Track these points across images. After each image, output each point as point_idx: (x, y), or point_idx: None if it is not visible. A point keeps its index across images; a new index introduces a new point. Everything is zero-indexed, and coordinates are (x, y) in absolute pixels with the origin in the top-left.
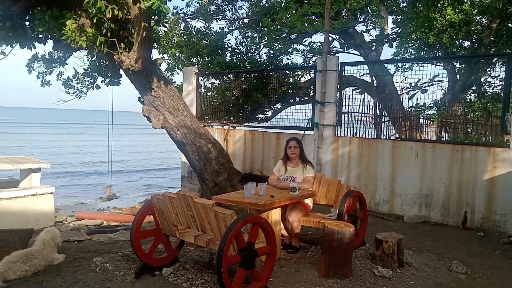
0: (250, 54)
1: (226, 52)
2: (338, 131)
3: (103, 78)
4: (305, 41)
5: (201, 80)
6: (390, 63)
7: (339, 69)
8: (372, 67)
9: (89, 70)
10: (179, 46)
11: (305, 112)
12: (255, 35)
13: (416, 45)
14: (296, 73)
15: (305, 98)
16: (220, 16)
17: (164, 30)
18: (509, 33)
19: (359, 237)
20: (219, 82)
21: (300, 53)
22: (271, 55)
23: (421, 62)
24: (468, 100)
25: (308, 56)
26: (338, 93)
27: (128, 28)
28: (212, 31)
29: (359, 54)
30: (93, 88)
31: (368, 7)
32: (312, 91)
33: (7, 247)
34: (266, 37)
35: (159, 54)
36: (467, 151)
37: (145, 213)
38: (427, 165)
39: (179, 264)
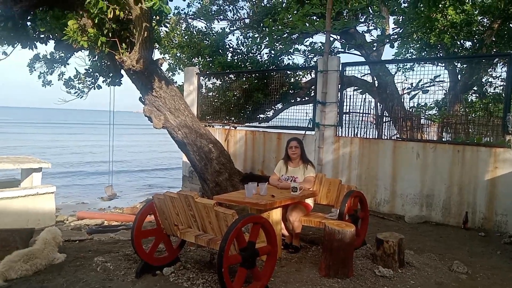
0: (251, 55)
1: (227, 53)
2: (339, 131)
3: (104, 78)
4: (306, 41)
5: (202, 80)
6: (391, 63)
7: (340, 69)
8: (373, 67)
9: (91, 70)
10: (180, 46)
11: (306, 112)
12: (256, 35)
13: (417, 46)
14: (297, 73)
15: (306, 98)
16: (221, 17)
17: (166, 30)
18: (511, 34)
19: (360, 237)
20: (220, 82)
21: (301, 53)
22: (272, 55)
23: (422, 63)
24: (469, 100)
25: (309, 56)
26: (339, 93)
27: (129, 28)
28: (213, 32)
29: (360, 54)
30: (95, 88)
31: (369, 8)
32: (313, 91)
33: (8, 246)
34: (267, 38)
35: (160, 54)
36: (468, 151)
37: (146, 212)
38: (428, 165)
39: (180, 264)
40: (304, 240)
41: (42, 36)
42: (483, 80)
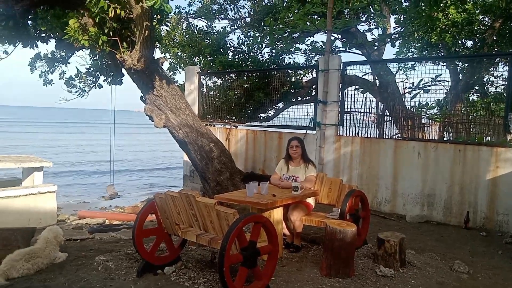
0: (252, 54)
1: (228, 52)
2: (340, 130)
3: (105, 77)
4: (307, 40)
5: (203, 79)
6: (392, 62)
7: (341, 68)
8: (375, 66)
9: (92, 69)
10: (181, 46)
11: (307, 112)
12: (257, 34)
13: (419, 45)
14: (298, 72)
15: (307, 97)
16: (222, 16)
17: (166, 29)
18: None
19: (361, 236)
20: (221, 82)
21: (302, 52)
22: (273, 55)
23: (424, 62)
24: (470, 99)
25: (310, 55)
26: (340, 92)
27: (130, 27)
28: (214, 31)
29: (361, 53)
30: (95, 87)
31: (370, 7)
32: (314, 90)
33: (10, 245)
34: (268, 37)
35: (161, 53)
36: (469, 150)
37: (147, 212)
38: (429, 164)
39: (181, 263)
40: (305, 239)
41: (43, 35)
42: (485, 79)
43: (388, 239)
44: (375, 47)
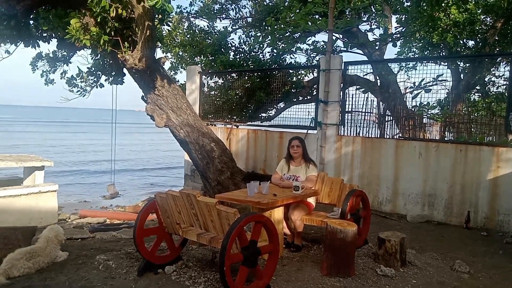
0: (253, 53)
1: (230, 51)
2: (341, 130)
3: (106, 77)
4: (308, 40)
5: (204, 79)
6: (393, 62)
7: (343, 68)
8: (376, 66)
9: (93, 68)
10: (183, 45)
11: (308, 111)
12: (258, 34)
13: (420, 45)
14: (300, 72)
15: (309, 97)
16: (223, 15)
17: (168, 29)
18: None
19: (362, 236)
20: (222, 81)
21: (304, 52)
22: (275, 54)
23: (425, 62)
24: (472, 99)
25: (312, 55)
26: (341, 92)
27: (132, 27)
28: (215, 30)
29: (362, 53)
30: (97, 87)
31: (372, 6)
32: (315, 90)
33: (11, 244)
34: (269, 36)
35: (163, 53)
36: (470, 150)
37: (148, 211)
38: (430, 164)
39: (181, 262)
40: (305, 239)
41: (44, 34)
42: (486, 79)
43: (388, 239)
44: (377, 47)
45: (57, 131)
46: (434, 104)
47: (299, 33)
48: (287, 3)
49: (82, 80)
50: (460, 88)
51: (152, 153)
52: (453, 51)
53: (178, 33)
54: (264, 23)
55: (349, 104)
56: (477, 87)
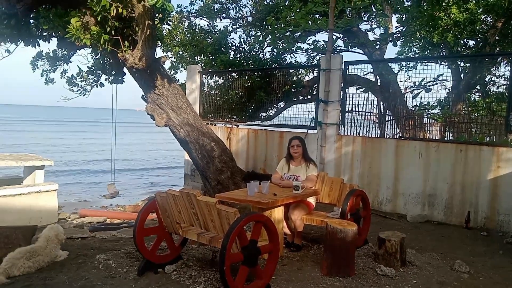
0: (253, 53)
1: (230, 51)
2: (341, 130)
3: (107, 76)
4: (309, 39)
5: (205, 78)
6: (394, 62)
7: (343, 67)
8: (376, 66)
9: (93, 68)
10: (183, 45)
11: (309, 111)
12: (259, 33)
13: (421, 44)
14: (300, 71)
15: (309, 96)
16: (224, 15)
17: (168, 28)
18: None
19: (362, 236)
20: (223, 81)
21: (304, 51)
22: (275, 54)
23: (425, 61)
24: (472, 99)
25: (312, 54)
26: (341, 92)
27: (132, 26)
28: (215, 30)
29: (363, 53)
30: (97, 86)
31: (372, 6)
32: (315, 89)
33: (11, 243)
34: (270, 36)
35: (163, 52)
36: (471, 150)
37: (148, 210)
38: (430, 164)
39: (181, 262)
40: (306, 238)
41: (45, 33)
42: (486, 79)
43: (389, 239)
44: (377, 47)
45: (57, 131)
46: (435, 104)
47: (300, 33)
48: (287, 2)
49: (82, 79)
50: (460, 88)
51: (152, 152)
52: (453, 51)
53: (178, 32)
54: (264, 23)
55: (349, 104)
56: (478, 87)
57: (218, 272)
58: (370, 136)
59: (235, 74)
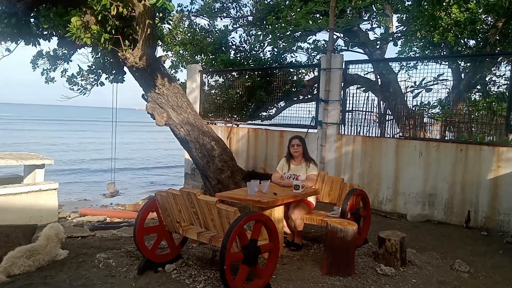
0: (254, 52)
1: (230, 50)
2: (341, 129)
3: (107, 75)
4: (309, 39)
5: (205, 77)
6: (394, 61)
7: (344, 67)
8: (377, 65)
9: (93, 67)
10: (183, 44)
11: (309, 110)
12: (259, 33)
13: (421, 44)
14: (300, 71)
15: (309, 96)
16: (224, 14)
17: (169, 28)
18: None
19: (362, 235)
20: (223, 80)
21: (304, 51)
22: (275, 53)
23: (426, 61)
24: (472, 99)
25: (312, 54)
26: (342, 91)
27: (132, 26)
28: (216, 29)
29: (363, 52)
30: (97, 85)
31: (373, 6)
32: (316, 89)
33: (11, 242)
34: (270, 35)
35: (163, 51)
36: (471, 150)
37: (148, 209)
38: (430, 164)
39: (182, 261)
40: (306, 238)
41: (45, 32)
42: (487, 79)
43: (389, 238)
44: (377, 46)
45: (57, 130)
46: (435, 104)
47: (300, 32)
48: (288, 2)
49: (82, 78)
50: (460, 87)
51: (152, 151)
52: (454, 51)
53: (178, 32)
54: (265, 22)
55: (349, 103)
56: (478, 87)
57: (218, 271)
58: (370, 135)
59: (235, 74)
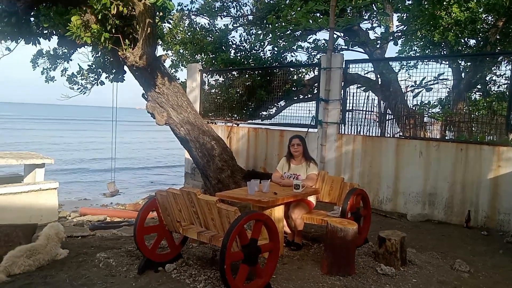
0: (254, 51)
1: (230, 49)
2: (342, 128)
3: (107, 74)
4: (309, 38)
5: (205, 77)
6: (395, 61)
7: (344, 66)
8: (377, 65)
9: (94, 66)
10: (183, 43)
11: (309, 110)
12: (259, 32)
13: (421, 43)
14: (300, 70)
15: (309, 95)
16: (224, 13)
17: (169, 27)
18: None
19: (362, 235)
20: (223, 79)
21: (305, 50)
22: (275, 52)
23: (426, 60)
24: (473, 98)
25: (313, 53)
26: (342, 90)
27: (132, 25)
28: (216, 28)
29: (363, 51)
30: (97, 84)
31: (373, 5)
32: (316, 88)
33: (11, 242)
34: (270, 34)
35: (163, 50)
36: (471, 149)
37: (148, 209)
38: (431, 163)
39: (182, 260)
40: (306, 237)
41: (45, 32)
42: (487, 78)
43: (389, 238)
44: (378, 46)
45: (57, 129)
46: (435, 103)
47: (300, 31)
48: (288, 1)
49: (82, 77)
50: (461, 87)
51: (152, 151)
52: (454, 50)
53: (178, 31)
54: (265, 21)
55: (350, 103)
56: (478, 86)
57: (219, 270)
58: (370, 135)
59: (235, 73)
